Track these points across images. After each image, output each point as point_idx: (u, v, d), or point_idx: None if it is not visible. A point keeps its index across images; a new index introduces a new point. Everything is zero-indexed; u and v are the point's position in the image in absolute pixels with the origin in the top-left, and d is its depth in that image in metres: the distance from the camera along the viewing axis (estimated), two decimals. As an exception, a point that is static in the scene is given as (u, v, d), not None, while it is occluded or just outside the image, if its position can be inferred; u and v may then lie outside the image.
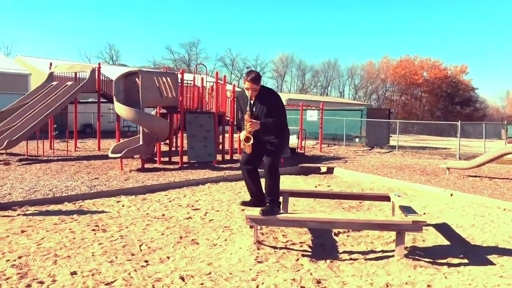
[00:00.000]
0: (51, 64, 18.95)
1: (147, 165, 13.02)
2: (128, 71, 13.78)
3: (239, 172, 11.82)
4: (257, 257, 4.64)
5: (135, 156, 14.10)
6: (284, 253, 4.87)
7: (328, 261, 4.63)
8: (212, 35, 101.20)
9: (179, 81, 13.43)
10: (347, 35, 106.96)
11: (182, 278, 3.98)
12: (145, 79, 12.78)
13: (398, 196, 5.99)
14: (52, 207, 6.71)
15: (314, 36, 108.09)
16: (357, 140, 22.66)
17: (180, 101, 13.42)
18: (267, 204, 4.83)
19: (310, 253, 4.93)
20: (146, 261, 4.46)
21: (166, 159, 14.21)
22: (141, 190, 8.36)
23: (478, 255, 4.95)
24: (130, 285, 3.78)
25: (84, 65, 17.95)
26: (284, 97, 43.20)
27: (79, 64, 20.35)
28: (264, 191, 4.99)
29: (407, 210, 5.05)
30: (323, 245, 5.31)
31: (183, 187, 8.89)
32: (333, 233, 5.70)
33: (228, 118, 15.54)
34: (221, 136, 15.74)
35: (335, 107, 32.21)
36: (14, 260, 4.31)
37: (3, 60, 29.12)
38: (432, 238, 5.64)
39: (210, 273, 4.17)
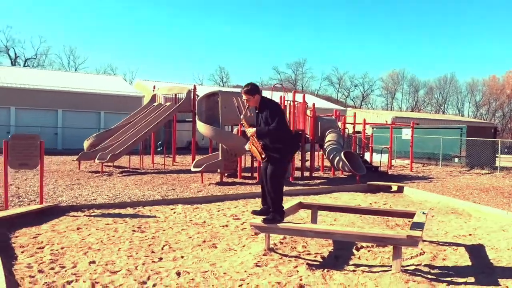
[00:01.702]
0: (154, 87, 21.07)
1: (228, 179, 13.92)
2: (210, 92, 14.90)
3: (308, 187, 12.17)
4: (258, 261, 5.00)
5: (218, 171, 15.12)
6: (290, 261, 5.16)
7: (326, 270, 4.82)
8: (319, 54, 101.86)
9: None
10: (464, 48, 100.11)
11: (178, 274, 4.51)
12: (224, 99, 13.74)
13: (423, 213, 5.88)
14: (115, 211, 7.72)
15: (427, 51, 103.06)
16: (456, 160, 21.36)
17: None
18: (271, 212, 5.18)
19: (316, 263, 5.14)
20: (160, 258, 5.09)
21: (249, 174, 14.98)
22: (199, 200, 9.12)
23: (491, 277, 4.74)
24: (130, 274, 4.42)
25: (182, 87, 19.62)
26: (389, 115, 41.97)
27: (177, 86, 22.26)
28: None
29: (417, 226, 5.03)
30: (337, 257, 5.47)
31: (240, 199, 9.46)
32: (354, 248, 5.82)
33: (308, 136, 15.87)
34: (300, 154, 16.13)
35: (437, 125, 30.59)
36: (56, 250, 5.23)
37: (122, 84, 32.76)
38: (455, 258, 5.46)
39: (207, 271, 4.65)
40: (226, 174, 15.11)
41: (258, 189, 11.94)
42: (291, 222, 5.13)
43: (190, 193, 10.87)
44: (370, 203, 9.30)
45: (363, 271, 4.82)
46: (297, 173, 15.67)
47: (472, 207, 8.80)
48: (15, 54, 52.86)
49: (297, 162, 16.82)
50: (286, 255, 5.38)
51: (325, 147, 15.11)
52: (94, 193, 10.37)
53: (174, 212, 7.81)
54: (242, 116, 5.25)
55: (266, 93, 16.35)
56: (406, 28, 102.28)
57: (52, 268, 4.52)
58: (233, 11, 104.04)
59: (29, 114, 25.85)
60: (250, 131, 5.16)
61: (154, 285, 4.17)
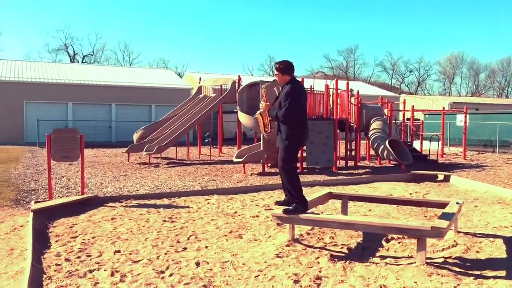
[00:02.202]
0: (200, 79, 21.38)
1: (272, 169, 13.96)
2: (251, 82, 14.92)
3: (350, 177, 11.95)
4: (280, 252, 4.98)
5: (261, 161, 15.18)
6: (314, 252, 5.09)
7: (348, 262, 4.72)
8: (371, 40, 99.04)
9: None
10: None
11: (198, 264, 4.58)
12: (265, 89, 13.69)
13: (458, 203, 5.60)
14: (151, 201, 7.95)
15: (488, 31, 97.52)
16: (514, 146, 20.18)
17: (300, 108, 13.99)
18: (292, 203, 5.13)
19: (340, 254, 5.05)
20: (185, 248, 5.19)
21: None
22: (236, 190, 9.19)
23: (527, 271, 4.45)
24: (150, 263, 4.55)
25: (227, 78, 19.77)
26: (447, 101, 40.24)
27: (222, 77, 22.43)
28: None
29: (445, 216, 4.80)
30: (365, 248, 5.34)
31: (276, 189, 9.44)
32: (384, 239, 5.65)
33: (353, 125, 15.54)
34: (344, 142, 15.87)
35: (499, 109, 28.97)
36: (88, 239, 5.47)
37: (172, 78, 33.50)
38: (490, 250, 5.17)
39: (226, 261, 4.69)
40: (269, 165, 15.16)
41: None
42: (313, 213, 5.05)
43: (230, 183, 10.99)
44: (411, 193, 8.98)
45: (386, 263, 4.68)
46: (342, 163, 15.45)
47: (521, 197, 8.28)
48: (74, 51, 55.62)
49: (342, 151, 16.55)
50: (311, 246, 5.32)
51: (369, 135, 14.74)
52: (137, 184, 10.72)
53: (208, 203, 7.93)
54: (263, 86, 5.30)
55: (311, 81, 16.13)
56: (464, 7, 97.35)
57: (79, 257, 4.73)
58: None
59: (85, 108, 27.05)
60: (263, 105, 5.27)
61: (171, 274, 4.26)
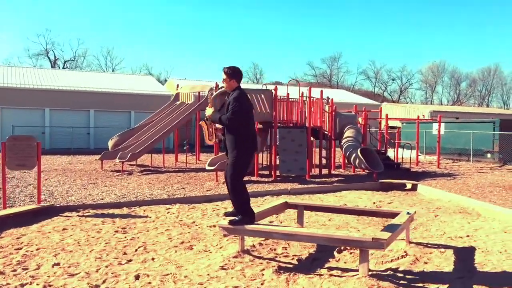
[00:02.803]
0: (177, 86, 21.27)
1: (245, 178, 13.86)
2: (224, 89, 14.84)
3: (318, 186, 11.94)
4: (225, 264, 4.89)
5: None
6: (261, 263, 5.02)
7: (292, 274, 4.65)
8: (354, 48, 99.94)
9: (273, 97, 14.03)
10: (509, 36, 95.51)
11: (137, 277, 4.47)
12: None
13: (408, 214, 5.59)
14: (110, 211, 7.80)
15: (469, 40, 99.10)
16: (488, 155, 20.40)
17: (273, 116, 13.98)
18: (238, 214, 5.07)
19: (288, 266, 4.99)
20: (130, 260, 5.07)
21: (267, 172, 14.88)
22: (200, 199, 9.09)
23: (468, 282, 4.42)
24: (87, 277, 4.42)
25: (204, 85, 19.72)
26: (427, 109, 40.63)
27: (200, 84, 22.36)
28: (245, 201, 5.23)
29: (390, 228, 4.77)
30: (316, 259, 5.28)
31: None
32: (337, 250, 5.60)
33: (326, 133, 15.58)
34: (317, 150, 15.88)
35: (474, 118, 29.34)
36: (31, 251, 5.32)
37: (153, 84, 33.28)
38: (439, 261, 5.15)
39: (168, 274, 4.59)
40: (243, 172, 15.09)
41: (269, 187, 11.86)
42: (259, 224, 4.98)
43: (198, 192, 10.89)
44: (374, 202, 8.98)
45: (331, 275, 4.63)
46: (317, 171, 15.45)
47: (484, 207, 8.32)
48: (55, 56, 55.04)
49: (316, 160, 16.55)
50: (260, 257, 5.25)
51: (342, 143, 14.77)
52: (104, 193, 10.55)
53: (168, 212, 7.81)
54: (208, 93, 5.23)
55: (302, 89, 16.09)
56: (445, 17, 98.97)
57: (15, 270, 4.58)
58: (266, 5, 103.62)
59: (62, 114, 26.70)
60: (208, 111, 5.17)
61: (105, 288, 4.15)
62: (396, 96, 74.09)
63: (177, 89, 20.54)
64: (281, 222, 7.11)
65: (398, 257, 5.27)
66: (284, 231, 4.72)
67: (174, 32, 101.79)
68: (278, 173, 13.94)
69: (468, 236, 6.37)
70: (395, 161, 17.48)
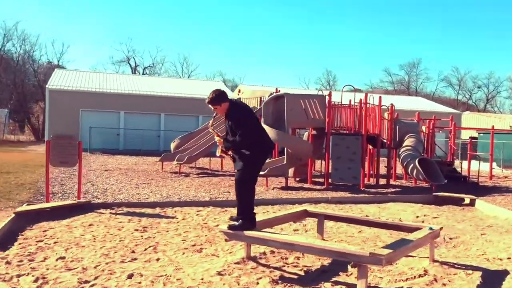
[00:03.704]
0: (239, 91, 21.51)
1: (299, 184, 13.72)
2: (277, 94, 14.74)
3: (367, 195, 11.41)
4: (224, 270, 4.76)
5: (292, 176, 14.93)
6: (263, 271, 4.83)
7: (289, 285, 4.42)
8: (435, 54, 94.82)
9: (327, 102, 13.68)
10: None
11: (130, 276, 4.48)
12: (290, 101, 13.46)
13: (430, 229, 5.09)
14: (142, 210, 7.98)
15: None
16: None
17: (327, 122, 13.62)
18: (240, 219, 4.92)
19: (292, 277, 4.76)
20: (134, 259, 5.12)
21: (322, 180, 14.53)
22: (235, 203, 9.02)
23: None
24: (82, 272, 4.51)
25: (265, 90, 19.75)
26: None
27: (260, 89, 22.41)
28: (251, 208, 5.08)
29: (399, 243, 4.37)
30: (325, 272, 4.99)
31: (283, 204, 9.23)
32: (352, 263, 5.25)
33: (385, 141, 14.88)
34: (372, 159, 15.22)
35: None
36: (48, 244, 5.56)
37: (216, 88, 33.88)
38: (460, 284, 4.63)
39: (162, 276, 4.55)
40: (297, 179, 14.85)
41: (312, 195, 11.55)
42: (261, 231, 4.79)
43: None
44: (418, 216, 8.35)
45: (328, 290, 4.34)
46: (374, 181, 14.83)
47: (542, 226, 7.43)
48: (135, 63, 58.20)
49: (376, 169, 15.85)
50: (266, 265, 5.06)
51: (399, 152, 14.01)
52: (152, 192, 10.87)
53: (197, 215, 7.83)
54: (209, 124, 5.05)
55: (375, 96, 15.47)
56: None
57: (21, 261, 4.80)
58: (341, 11, 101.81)
59: (136, 117, 28.08)
60: (218, 140, 4.96)
61: (93, 285, 4.19)
62: (482, 105, 69.31)
63: (238, 94, 20.74)
64: (306, 232, 6.84)
65: (415, 276, 4.82)
66: (282, 239, 4.50)
67: (247, 38, 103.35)
68: (331, 181, 13.57)
69: (509, 258, 5.69)
70: (466, 174, 16.23)
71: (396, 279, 4.75)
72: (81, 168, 8.26)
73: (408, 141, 14.17)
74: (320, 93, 15.07)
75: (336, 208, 9.08)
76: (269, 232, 4.72)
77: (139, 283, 4.32)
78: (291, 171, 15.18)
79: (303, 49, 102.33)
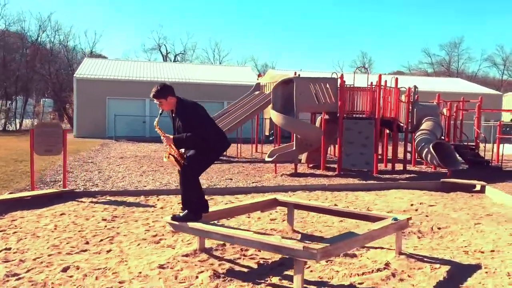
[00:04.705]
0: (258, 75, 21.11)
1: (310, 170, 13.36)
2: (285, 78, 14.27)
3: (374, 182, 10.89)
4: (168, 263, 4.53)
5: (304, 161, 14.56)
6: (211, 264, 4.58)
7: (228, 280, 4.15)
8: (478, 32, 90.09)
9: (339, 86, 13.14)
10: None
11: (65, 269, 4.32)
12: (299, 85, 13.00)
13: (395, 220, 4.65)
14: (124, 198, 7.86)
15: None
16: None
17: (339, 106, 13.09)
18: (185, 210, 4.66)
19: (241, 270, 4.49)
20: (84, 250, 4.97)
21: (335, 165, 14.05)
22: (224, 191, 8.84)
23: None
24: (17, 265, 4.39)
25: (283, 75, 19.27)
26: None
27: (279, 73, 21.92)
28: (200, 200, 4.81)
29: (343, 236, 3.99)
30: (282, 265, 4.68)
31: (284, 191, 8.92)
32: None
33: (402, 124, 14.17)
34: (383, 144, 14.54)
35: None
36: (6, 234, 5.51)
37: (248, 75, 33.60)
38: (419, 280, 4.21)
39: (100, 269, 4.36)
40: (310, 165, 14.44)
41: (324, 181, 11.12)
42: (204, 222, 4.51)
43: (241, 183, 10.61)
44: (413, 204, 7.82)
45: (270, 285, 4.03)
46: (389, 166, 14.21)
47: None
48: (166, 50, 58.58)
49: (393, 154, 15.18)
50: (218, 258, 4.80)
51: (415, 137, 13.29)
52: (153, 180, 10.76)
53: (179, 203, 7.61)
54: (155, 123, 4.70)
55: (408, 78, 14.54)
56: None
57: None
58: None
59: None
60: (166, 139, 4.58)
61: (20, 278, 4.06)
62: (529, 85, 65.57)
63: (257, 79, 20.37)
64: (282, 221, 6.50)
65: (373, 270, 4.43)
66: (222, 232, 4.20)
67: (279, 22, 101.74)
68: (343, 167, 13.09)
69: (493, 251, 5.17)
70: (484, 158, 15.28)
71: (352, 273, 4.38)
72: (66, 156, 8.23)
73: (425, 125, 13.40)
74: (333, 75, 14.49)
75: (330, 196, 8.68)
76: (212, 224, 4.42)
77: (71, 276, 4.15)
78: (304, 157, 14.80)
79: (336, 32, 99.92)
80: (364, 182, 10.89)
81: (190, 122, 4.51)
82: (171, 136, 4.55)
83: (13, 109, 40.77)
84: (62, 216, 6.49)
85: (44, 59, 42.20)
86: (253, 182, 10.91)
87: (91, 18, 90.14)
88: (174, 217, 4.63)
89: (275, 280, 4.22)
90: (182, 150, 4.66)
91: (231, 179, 11.40)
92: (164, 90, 4.53)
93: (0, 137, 27.46)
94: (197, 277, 4.22)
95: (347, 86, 13.51)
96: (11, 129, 36.95)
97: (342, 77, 13.32)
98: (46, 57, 42.70)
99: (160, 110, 4.64)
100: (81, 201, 7.55)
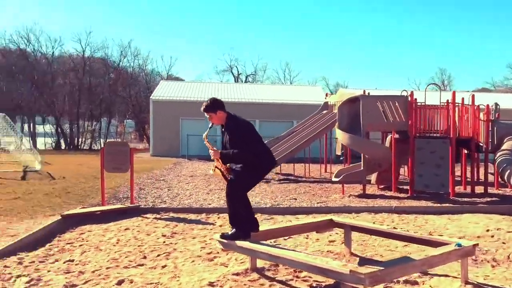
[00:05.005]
0: (326, 95, 20.90)
1: (381, 191, 12.92)
2: (352, 96, 13.96)
3: (447, 205, 10.22)
4: (218, 281, 4.50)
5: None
6: (262, 285, 4.49)
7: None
8: None
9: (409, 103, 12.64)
10: None
11: (120, 282, 4.45)
12: (366, 103, 12.70)
13: (458, 246, 4.28)
14: (186, 215, 8.00)
15: None
16: None
17: (409, 125, 12.57)
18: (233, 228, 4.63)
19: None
20: (140, 265, 5.11)
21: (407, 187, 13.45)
22: (285, 211, 8.72)
23: None
24: (76, 276, 4.59)
25: (352, 93, 18.92)
26: None
27: (348, 92, 21.50)
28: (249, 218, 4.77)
29: (395, 261, 3.73)
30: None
31: (338, 213, 8.63)
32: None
33: (482, 144, 13.27)
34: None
35: None
36: (72, 247, 5.81)
37: (318, 94, 33.39)
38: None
39: (151, 284, 4.45)
40: (381, 186, 13.92)
41: (392, 203, 10.63)
42: (253, 242, 4.44)
43: (305, 203, 10.46)
44: (488, 229, 7.19)
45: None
46: (468, 188, 13.31)
47: None
48: (238, 71, 60.01)
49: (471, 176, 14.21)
50: (270, 278, 4.69)
51: (495, 157, 12.35)
52: (218, 198, 10.91)
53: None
54: (204, 136, 4.80)
55: (492, 96, 13.79)
56: None
57: (32, 262, 5.06)
58: (454, 3, 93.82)
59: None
60: (214, 153, 4.65)
61: (77, 289, 4.23)
62: None
63: (325, 98, 20.19)
64: (342, 243, 6.25)
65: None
66: (269, 251, 4.12)
67: (351, 42, 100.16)
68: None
69: None
70: None
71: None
72: (133, 173, 8.56)
73: (507, 144, 12.44)
74: (404, 93, 13.97)
75: (396, 219, 8.26)
76: (261, 244, 4.34)
77: (124, 291, 4.26)
78: (374, 177, 14.31)
79: (411, 48, 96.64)
80: (436, 205, 10.26)
81: (242, 138, 4.53)
82: (219, 151, 4.58)
83: (98, 130, 43.69)
84: (126, 231, 6.73)
85: (125, 83, 44.93)
86: (317, 203, 10.70)
87: (167, 43, 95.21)
88: (223, 235, 4.63)
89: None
90: (229, 165, 4.66)
91: (296, 198, 11.27)
92: (214, 104, 4.63)
93: (86, 155, 29.47)
94: (245, 295, 4.15)
95: (419, 104, 12.94)
96: (96, 148, 39.56)
97: (412, 94, 12.79)
98: (127, 80, 45.43)
99: (210, 124, 4.70)
100: (146, 217, 7.81)
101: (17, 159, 18.38)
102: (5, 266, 4.88)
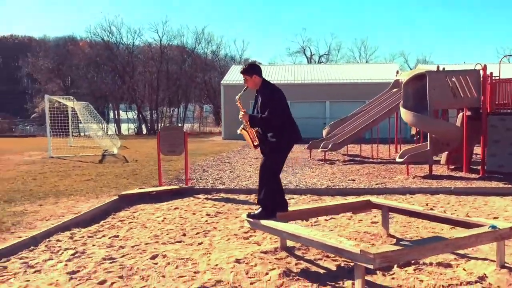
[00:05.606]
0: (397, 72, 20.02)
1: (451, 173, 12.32)
2: (417, 73, 13.28)
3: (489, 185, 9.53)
4: (245, 258, 4.64)
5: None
6: (288, 262, 4.58)
7: (295, 279, 4.09)
8: None
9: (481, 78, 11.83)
10: None
11: (154, 257, 4.74)
12: (433, 80, 12.08)
13: (492, 228, 4.01)
14: (235, 196, 8.23)
15: None
16: None
17: (482, 101, 11.78)
18: (260, 208, 4.71)
19: (317, 271, 4.40)
20: (178, 241, 5.38)
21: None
22: (337, 192, 8.61)
23: None
24: (118, 250, 4.94)
25: (424, 69, 17.99)
26: None
27: (420, 68, 20.38)
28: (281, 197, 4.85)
29: (418, 242, 3.59)
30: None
31: (392, 194, 8.42)
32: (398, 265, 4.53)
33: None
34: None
35: None
36: (122, 224, 6.24)
37: (389, 71, 32.06)
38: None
39: (182, 259, 4.69)
40: (451, 167, 13.22)
41: (459, 184, 10.10)
42: (274, 220, 4.50)
43: (364, 184, 10.25)
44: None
45: (335, 289, 3.86)
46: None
47: None
48: (311, 52, 59.05)
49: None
50: (298, 257, 4.76)
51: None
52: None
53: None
54: (237, 97, 4.95)
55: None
56: None
57: (82, 237, 5.54)
58: None
59: (299, 106, 28.64)
60: (243, 115, 4.77)
61: (113, 261, 4.57)
62: None
63: (396, 75, 19.38)
64: (372, 224, 6.09)
65: (462, 283, 3.93)
66: (291, 231, 4.16)
67: (432, 11, 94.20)
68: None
69: None
70: None
71: (437, 284, 3.94)
72: (187, 156, 8.91)
73: None
74: (478, 67, 13.05)
75: (453, 200, 7.85)
76: (282, 223, 4.39)
77: (156, 263, 4.54)
78: (443, 158, 13.64)
79: (501, 16, 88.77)
80: (501, 186, 9.59)
81: (273, 105, 4.58)
82: (248, 114, 4.70)
83: (176, 115, 45.61)
84: (175, 210, 7.09)
85: (200, 69, 46.26)
86: (376, 184, 10.43)
87: (239, 28, 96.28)
88: (249, 215, 4.73)
89: (347, 284, 4.02)
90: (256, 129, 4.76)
91: (354, 180, 11.07)
92: (251, 68, 4.76)
93: (162, 140, 30.85)
94: (267, 273, 4.24)
95: (495, 78, 12.03)
96: (173, 133, 41.39)
97: (485, 68, 11.92)
98: (201, 66, 46.73)
99: (245, 87, 4.81)
100: (197, 197, 8.14)
101: (98, 144, 19.81)
102: (58, 240, 5.39)
